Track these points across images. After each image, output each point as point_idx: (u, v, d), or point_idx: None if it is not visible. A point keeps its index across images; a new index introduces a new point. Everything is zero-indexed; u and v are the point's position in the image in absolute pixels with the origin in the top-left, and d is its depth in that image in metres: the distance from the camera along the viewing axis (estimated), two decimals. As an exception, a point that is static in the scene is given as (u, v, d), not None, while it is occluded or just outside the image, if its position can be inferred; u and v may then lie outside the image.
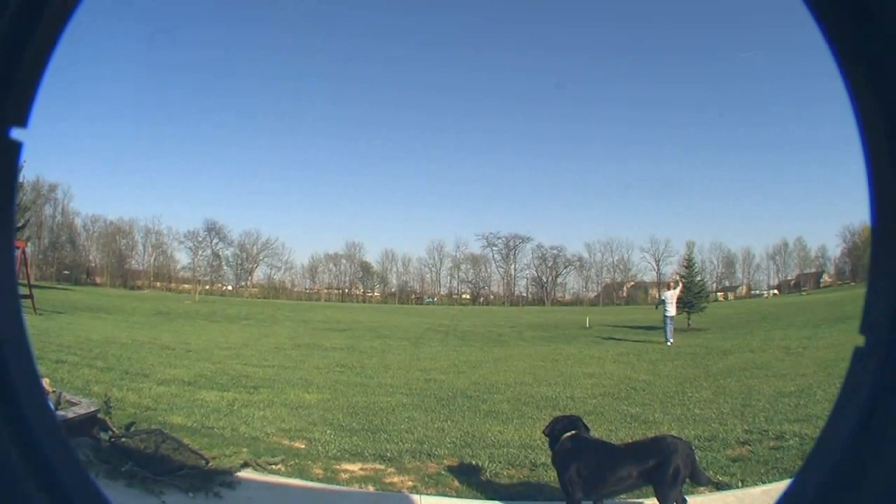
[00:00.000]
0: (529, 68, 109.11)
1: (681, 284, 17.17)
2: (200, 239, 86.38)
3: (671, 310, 15.28)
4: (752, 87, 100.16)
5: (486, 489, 4.00)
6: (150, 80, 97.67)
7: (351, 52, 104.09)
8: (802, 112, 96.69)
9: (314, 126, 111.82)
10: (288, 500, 3.79)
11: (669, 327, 14.95)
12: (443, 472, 4.34)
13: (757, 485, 3.95)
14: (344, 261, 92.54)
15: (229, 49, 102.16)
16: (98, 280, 77.20)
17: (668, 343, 14.29)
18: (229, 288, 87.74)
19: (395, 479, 4.17)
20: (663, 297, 15.78)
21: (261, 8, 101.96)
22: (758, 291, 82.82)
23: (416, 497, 3.79)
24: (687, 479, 3.27)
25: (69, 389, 5.53)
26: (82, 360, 8.67)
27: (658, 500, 3.17)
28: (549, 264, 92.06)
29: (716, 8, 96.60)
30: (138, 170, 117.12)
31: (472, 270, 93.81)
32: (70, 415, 4.14)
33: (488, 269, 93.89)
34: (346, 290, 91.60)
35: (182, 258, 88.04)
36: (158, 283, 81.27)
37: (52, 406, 4.18)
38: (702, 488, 3.77)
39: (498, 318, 35.17)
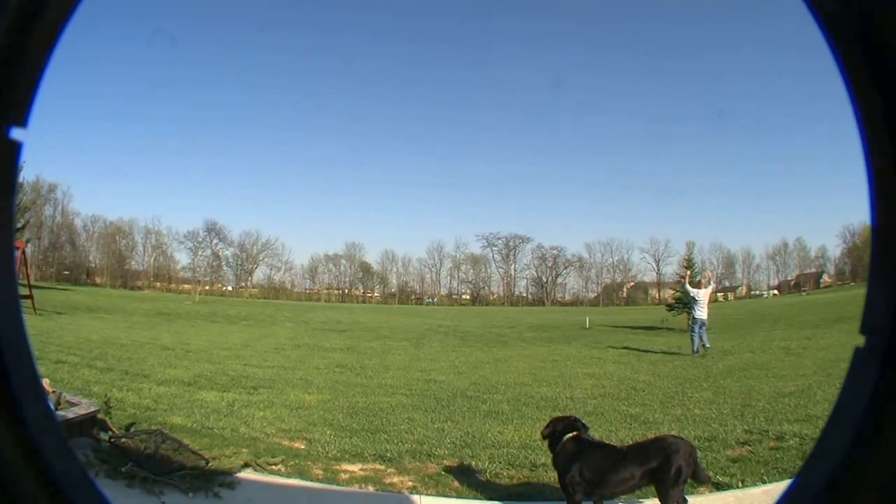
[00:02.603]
0: (528, 66, 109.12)
1: (713, 283, 14.57)
2: (200, 239, 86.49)
3: (702, 313, 12.56)
4: (752, 86, 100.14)
5: (486, 490, 4.00)
6: (149, 80, 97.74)
7: (350, 49, 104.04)
8: (802, 111, 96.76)
9: (314, 125, 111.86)
10: (288, 501, 3.79)
11: (703, 332, 12.31)
12: (443, 472, 4.34)
13: (757, 485, 3.94)
14: (344, 261, 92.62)
15: (229, 47, 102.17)
16: (98, 280, 77.19)
17: (698, 353, 12.00)
18: (229, 288, 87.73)
19: (395, 480, 4.17)
20: (694, 296, 13.10)
21: (261, 6, 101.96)
22: (758, 292, 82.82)
23: (416, 497, 3.78)
24: (687, 479, 3.27)
25: (69, 390, 5.53)
26: (82, 360, 8.67)
27: (660, 501, 3.17)
28: (549, 264, 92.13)
29: (715, 5, 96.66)
30: (138, 170, 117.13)
31: (471, 271, 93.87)
32: (70, 415, 4.14)
33: (488, 270, 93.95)
34: (346, 291, 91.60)
35: (182, 258, 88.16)
36: (158, 284, 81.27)
37: (52, 406, 4.17)
38: (702, 488, 3.77)
39: (498, 318, 35.16)
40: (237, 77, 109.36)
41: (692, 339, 12.49)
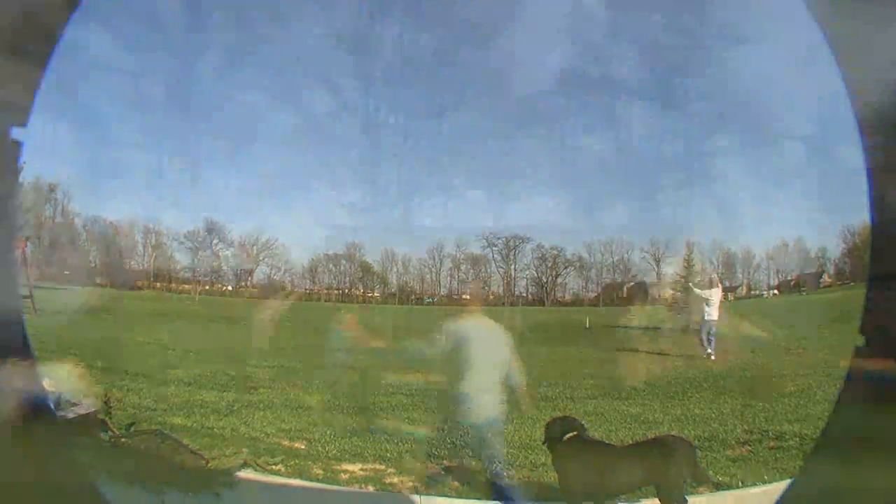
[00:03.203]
0: (528, 62, 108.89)
1: (719, 285, 14.04)
2: (200, 239, 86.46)
3: (714, 314, 12.21)
4: (751, 85, 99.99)
5: (486, 489, 4.00)
6: (150, 79, 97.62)
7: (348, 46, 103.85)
8: (802, 111, 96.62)
9: (314, 124, 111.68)
10: (288, 500, 3.79)
11: (712, 336, 12.09)
12: (443, 472, 4.33)
13: (757, 485, 3.95)
14: (344, 261, 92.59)
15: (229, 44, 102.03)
16: (98, 280, 77.17)
17: (712, 357, 11.76)
18: (229, 288, 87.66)
19: (395, 480, 4.17)
20: (706, 297, 12.64)
21: (262, 4, 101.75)
22: (758, 292, 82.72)
23: (416, 497, 3.79)
24: (687, 479, 3.27)
25: (70, 390, 5.53)
26: (82, 360, 8.66)
27: (660, 501, 3.17)
28: (549, 265, 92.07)
29: (714, 4, 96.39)
30: (138, 170, 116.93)
31: (471, 271, 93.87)
32: (70, 415, 4.15)
33: (488, 270, 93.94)
34: (346, 291, 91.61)
35: (182, 258, 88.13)
36: (158, 284, 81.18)
37: (52, 406, 4.17)
38: (702, 488, 3.77)
39: (497, 318, 35.08)
40: (237, 73, 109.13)
41: (701, 340, 12.27)
